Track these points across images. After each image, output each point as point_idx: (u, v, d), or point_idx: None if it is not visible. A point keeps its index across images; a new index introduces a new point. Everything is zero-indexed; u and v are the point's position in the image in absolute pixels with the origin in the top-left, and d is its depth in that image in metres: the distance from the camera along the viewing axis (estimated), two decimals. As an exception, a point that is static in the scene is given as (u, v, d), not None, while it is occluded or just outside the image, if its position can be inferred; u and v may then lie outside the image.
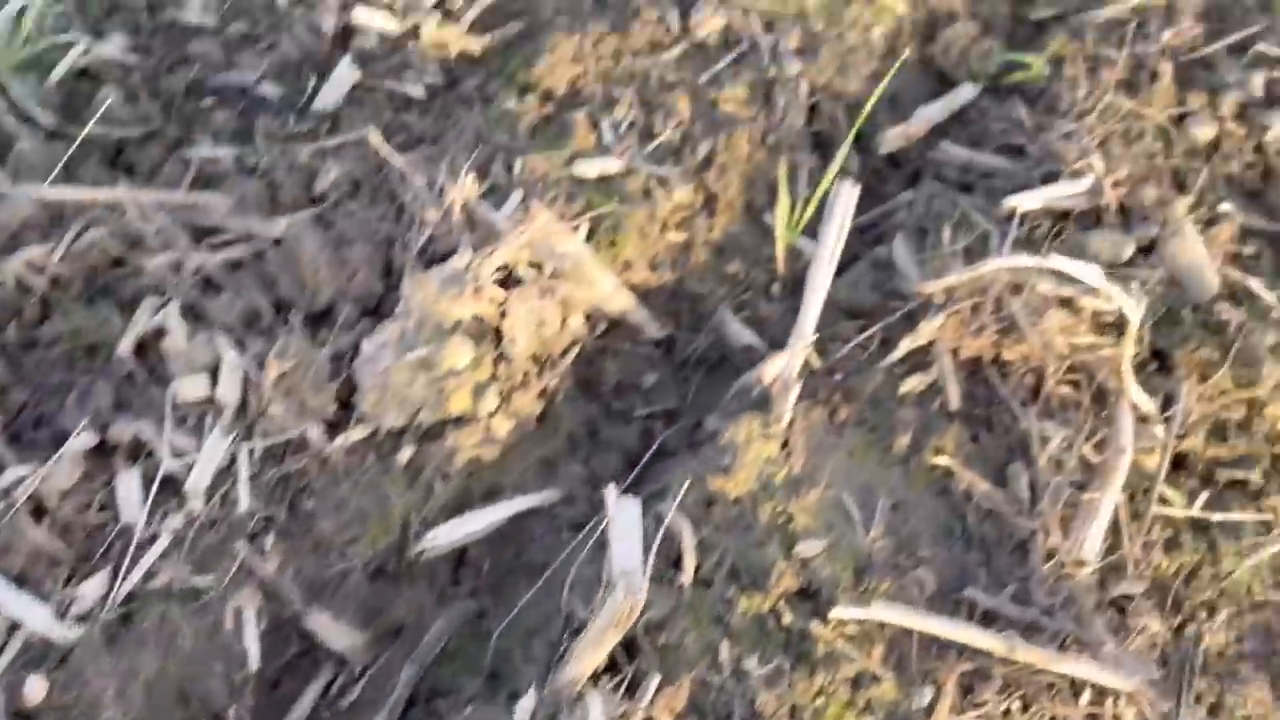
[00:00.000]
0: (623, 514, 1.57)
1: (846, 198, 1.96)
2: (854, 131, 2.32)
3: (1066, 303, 2.13)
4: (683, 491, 1.73)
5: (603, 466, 1.89)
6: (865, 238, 2.43)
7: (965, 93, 2.82)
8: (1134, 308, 1.98)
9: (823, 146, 2.49)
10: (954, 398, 2.03)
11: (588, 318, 1.97)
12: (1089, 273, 1.97)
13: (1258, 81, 3.01)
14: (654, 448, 1.94)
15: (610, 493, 1.60)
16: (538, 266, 1.85)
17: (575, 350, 1.92)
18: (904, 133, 2.57)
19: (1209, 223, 2.70)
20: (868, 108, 2.36)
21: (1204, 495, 2.18)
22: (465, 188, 1.83)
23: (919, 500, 1.91)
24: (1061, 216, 2.47)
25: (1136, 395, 2.12)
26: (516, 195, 1.94)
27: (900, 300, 2.14)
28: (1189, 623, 2.02)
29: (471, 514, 1.73)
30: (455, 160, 1.95)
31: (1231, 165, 2.90)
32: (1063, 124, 2.65)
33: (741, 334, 2.07)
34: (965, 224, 2.42)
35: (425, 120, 2.07)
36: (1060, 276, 2.07)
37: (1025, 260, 2.05)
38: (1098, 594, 1.95)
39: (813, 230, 2.18)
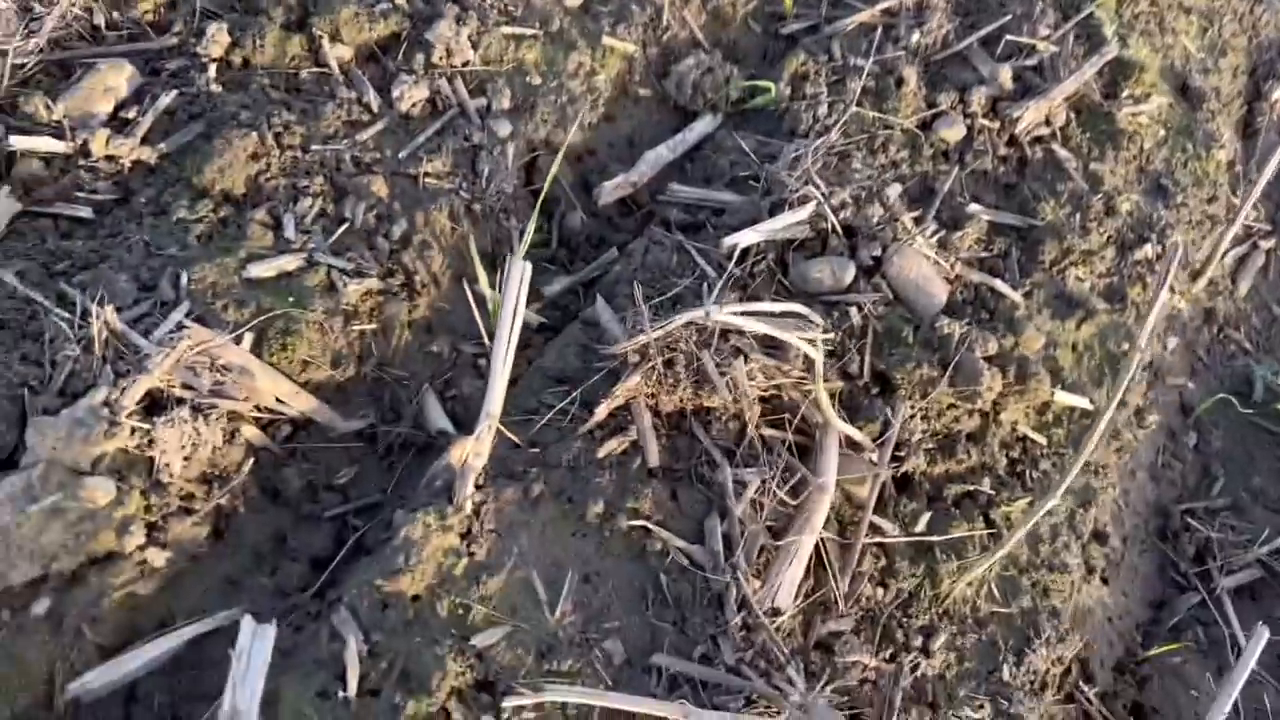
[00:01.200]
0: (255, 643, 1.56)
1: (518, 278, 1.95)
2: (543, 193, 2.32)
3: (771, 344, 2.14)
4: (351, 599, 1.73)
5: (287, 579, 1.88)
6: (589, 293, 2.43)
7: (703, 126, 2.82)
8: (815, 350, 1.99)
9: (547, 203, 2.49)
10: (653, 455, 2.03)
11: (267, 426, 1.95)
12: (759, 326, 1.98)
13: (1007, 74, 3.03)
14: (347, 548, 1.93)
15: (246, 623, 1.60)
16: (190, 387, 1.83)
17: (252, 462, 1.91)
18: (625, 181, 2.57)
19: (953, 226, 2.73)
20: (557, 161, 2.36)
21: (926, 516, 2.20)
22: (107, 316, 1.81)
23: (614, 567, 1.91)
24: (787, 246, 2.48)
25: (843, 427, 2.13)
26: (178, 313, 1.92)
27: (604, 361, 2.15)
28: (903, 651, 2.03)
29: (135, 650, 1.71)
30: (114, 284, 1.93)
31: (984, 162, 2.92)
32: (790, 150, 2.66)
33: (440, 419, 2.06)
34: (688, 269, 2.42)
35: (92, 243, 2.04)
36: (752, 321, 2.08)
37: (701, 313, 2.04)
38: (800, 638, 1.97)
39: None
